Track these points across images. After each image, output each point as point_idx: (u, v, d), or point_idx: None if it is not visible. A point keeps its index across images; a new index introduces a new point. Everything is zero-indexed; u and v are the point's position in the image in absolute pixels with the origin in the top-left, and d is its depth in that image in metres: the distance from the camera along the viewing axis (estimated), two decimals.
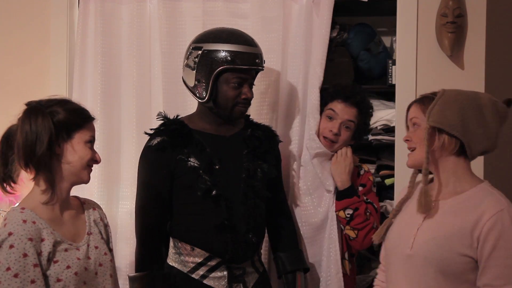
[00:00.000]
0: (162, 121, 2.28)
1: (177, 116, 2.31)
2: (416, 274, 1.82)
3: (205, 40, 2.24)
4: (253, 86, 2.29)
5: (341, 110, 2.52)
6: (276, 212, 2.45)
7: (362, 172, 2.60)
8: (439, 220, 1.82)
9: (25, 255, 1.69)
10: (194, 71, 2.23)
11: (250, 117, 2.43)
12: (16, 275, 1.67)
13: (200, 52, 2.22)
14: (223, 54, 2.19)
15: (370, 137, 3.07)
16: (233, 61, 2.18)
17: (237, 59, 2.19)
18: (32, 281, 1.69)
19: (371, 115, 2.63)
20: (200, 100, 2.24)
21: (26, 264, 1.69)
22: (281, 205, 2.48)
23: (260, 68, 2.27)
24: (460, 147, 1.82)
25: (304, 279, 2.40)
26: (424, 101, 1.88)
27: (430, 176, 1.92)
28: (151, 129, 2.28)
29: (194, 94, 2.25)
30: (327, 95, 2.58)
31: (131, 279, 2.23)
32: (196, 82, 2.23)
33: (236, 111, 2.24)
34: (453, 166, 1.85)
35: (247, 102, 2.26)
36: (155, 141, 2.22)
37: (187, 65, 2.26)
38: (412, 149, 1.91)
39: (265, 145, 2.34)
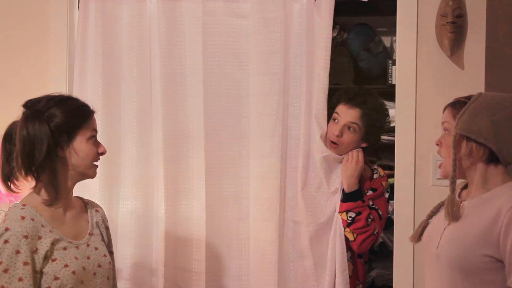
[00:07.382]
0: None
1: None
2: (441, 273, 1.79)
3: None
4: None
5: (344, 112, 2.53)
6: None
7: (376, 176, 2.59)
8: (462, 219, 1.78)
9: (17, 252, 1.70)
10: None
11: None
12: (5, 270, 1.69)
13: None
14: None
15: None
16: None
17: None
18: (20, 279, 1.69)
19: (383, 116, 2.61)
20: None
21: (17, 261, 1.69)
22: None
23: None
24: (490, 154, 1.77)
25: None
26: (456, 105, 1.84)
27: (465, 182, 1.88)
28: None
29: None
30: (334, 99, 2.60)
31: None
32: None
33: None
34: (483, 173, 1.79)
35: None
36: None
37: None
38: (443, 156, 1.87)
39: None
